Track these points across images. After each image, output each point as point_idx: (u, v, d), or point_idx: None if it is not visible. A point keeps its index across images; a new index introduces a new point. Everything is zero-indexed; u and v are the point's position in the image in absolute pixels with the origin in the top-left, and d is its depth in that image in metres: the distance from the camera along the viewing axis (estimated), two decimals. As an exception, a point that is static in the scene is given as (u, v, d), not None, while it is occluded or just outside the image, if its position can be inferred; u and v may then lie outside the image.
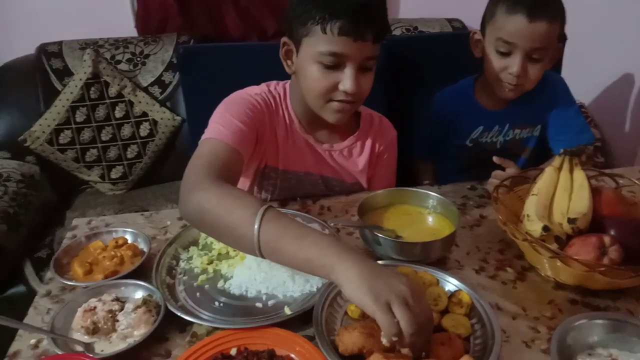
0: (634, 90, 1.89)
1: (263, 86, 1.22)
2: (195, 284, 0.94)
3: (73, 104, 2.00)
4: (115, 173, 2.09)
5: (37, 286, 1.58)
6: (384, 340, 0.71)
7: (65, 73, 2.07)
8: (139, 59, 2.14)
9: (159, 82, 2.13)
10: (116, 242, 1.01)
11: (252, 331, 0.82)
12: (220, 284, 0.94)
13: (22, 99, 2.08)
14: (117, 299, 0.87)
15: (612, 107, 1.96)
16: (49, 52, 2.09)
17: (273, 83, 1.24)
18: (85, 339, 0.82)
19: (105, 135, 2.06)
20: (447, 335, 0.78)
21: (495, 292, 0.92)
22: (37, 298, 0.92)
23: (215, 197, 0.86)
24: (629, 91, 1.91)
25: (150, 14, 2.27)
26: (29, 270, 1.65)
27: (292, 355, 0.78)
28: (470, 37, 1.34)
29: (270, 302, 0.89)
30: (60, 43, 2.12)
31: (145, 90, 2.11)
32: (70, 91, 2.00)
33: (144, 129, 2.08)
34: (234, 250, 1.01)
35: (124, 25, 2.30)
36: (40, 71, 2.07)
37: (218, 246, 1.02)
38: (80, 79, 2.00)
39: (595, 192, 0.99)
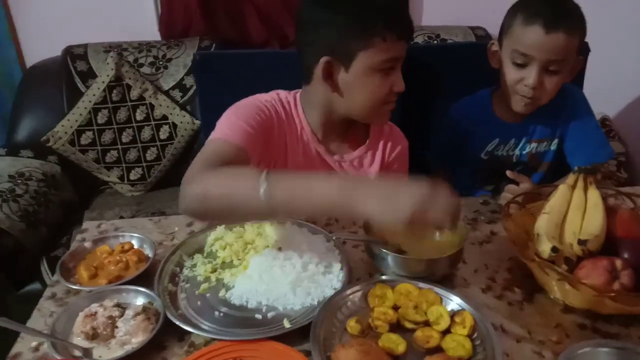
0: (660, 103, 1.84)
1: (273, 94, 1.22)
2: (197, 292, 0.94)
3: (95, 106, 2.04)
4: (134, 174, 2.12)
5: (52, 285, 1.61)
6: None
7: (89, 75, 2.11)
8: (161, 62, 2.17)
9: (180, 85, 2.15)
10: (122, 247, 1.02)
11: (250, 344, 0.82)
12: (221, 293, 0.94)
13: (47, 100, 2.13)
14: (118, 305, 0.87)
15: (637, 120, 1.90)
16: (75, 55, 2.14)
17: (283, 92, 1.24)
18: (85, 344, 0.82)
19: (126, 137, 2.09)
20: (446, 357, 0.76)
21: (500, 313, 0.90)
22: (41, 300, 0.94)
23: (214, 178, 0.89)
24: (656, 104, 1.85)
25: (174, 18, 2.30)
26: (44, 269, 1.68)
27: (287, 370, 0.77)
28: (487, 47, 1.31)
29: (270, 314, 0.89)
30: (85, 46, 2.17)
31: (166, 93, 2.13)
32: (93, 93, 2.04)
33: (164, 132, 2.11)
34: (238, 259, 1.01)
35: (149, 29, 2.34)
36: (65, 73, 2.11)
37: (223, 254, 1.02)
38: (103, 82, 2.04)
39: (610, 212, 0.96)
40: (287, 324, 0.85)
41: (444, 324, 0.84)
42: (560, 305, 0.91)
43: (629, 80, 1.89)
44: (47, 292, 0.96)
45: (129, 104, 2.07)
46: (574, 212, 0.95)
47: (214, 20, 2.32)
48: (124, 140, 2.09)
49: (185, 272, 0.99)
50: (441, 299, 0.89)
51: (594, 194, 0.96)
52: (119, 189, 2.16)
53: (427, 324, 0.85)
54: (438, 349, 0.80)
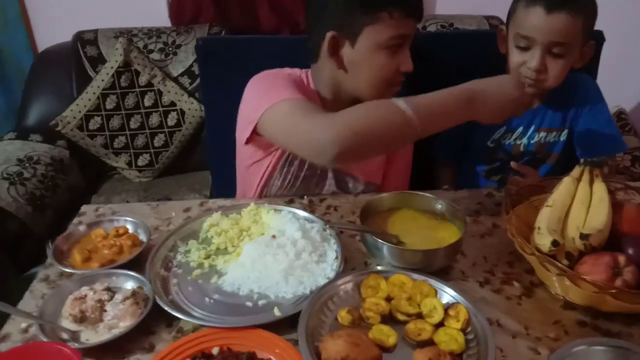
0: (680, 97, 1.77)
1: (287, 69, 1.21)
2: (189, 278, 0.94)
3: (104, 91, 2.04)
4: (142, 160, 2.12)
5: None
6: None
7: (99, 61, 2.11)
8: (170, 48, 2.16)
9: (188, 72, 2.14)
10: (117, 231, 1.02)
11: (237, 331, 0.80)
12: (213, 280, 0.93)
13: (57, 85, 2.14)
14: (108, 289, 0.87)
15: (654, 115, 1.85)
16: (85, 40, 2.14)
17: (295, 69, 1.23)
18: (73, 327, 0.82)
19: (134, 123, 2.09)
20: (437, 351, 0.74)
21: (497, 307, 0.87)
22: (34, 282, 0.94)
23: (354, 114, 0.94)
24: (675, 98, 1.79)
25: (184, 4, 2.28)
26: (49, 252, 1.69)
27: (273, 359, 0.76)
28: (497, 32, 1.28)
29: (260, 302, 0.87)
30: (95, 31, 2.16)
31: (175, 80, 2.13)
32: (102, 79, 2.04)
33: (172, 119, 2.10)
34: (233, 246, 1.00)
35: (159, 15, 2.33)
36: (76, 58, 2.12)
37: (217, 241, 1.01)
38: (112, 67, 2.04)
39: (616, 207, 0.92)
40: (277, 313, 0.84)
41: (438, 317, 0.82)
42: (560, 301, 0.88)
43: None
44: (41, 275, 0.96)
45: (138, 89, 2.07)
46: (578, 206, 0.92)
47: (224, 7, 2.30)
48: (132, 126, 2.09)
49: (179, 257, 0.98)
50: (436, 291, 0.86)
51: (600, 188, 0.93)
52: (126, 175, 2.17)
53: (420, 316, 0.83)
54: (430, 342, 0.78)
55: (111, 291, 0.86)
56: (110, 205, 1.17)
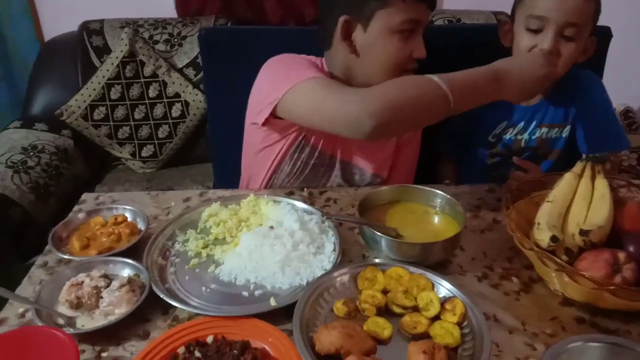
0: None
1: (304, 56, 1.21)
2: (186, 267, 0.94)
3: (109, 81, 2.04)
4: (146, 151, 2.12)
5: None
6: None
7: (104, 51, 2.11)
8: (176, 40, 2.16)
9: (193, 64, 2.14)
10: (115, 219, 1.02)
11: (232, 320, 0.80)
12: (211, 269, 0.93)
13: (63, 75, 2.14)
14: (105, 276, 0.87)
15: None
16: (91, 30, 2.14)
17: (310, 56, 1.22)
18: (69, 312, 0.82)
19: (138, 113, 2.09)
20: (431, 344, 0.73)
21: (495, 302, 0.86)
22: (33, 268, 0.94)
23: (390, 88, 0.95)
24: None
25: (190, -5, 2.28)
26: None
27: (267, 348, 0.76)
28: (500, 25, 1.26)
29: (257, 292, 0.87)
30: (102, 21, 2.16)
31: (180, 71, 2.12)
32: (107, 69, 2.04)
33: (176, 110, 2.10)
34: (231, 236, 1.00)
35: (166, 6, 2.33)
36: (81, 48, 2.12)
37: (216, 231, 1.01)
38: (117, 57, 2.04)
39: (619, 204, 0.91)
40: (273, 303, 0.83)
41: (434, 310, 0.81)
42: (559, 297, 0.87)
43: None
44: (39, 261, 0.96)
45: (142, 80, 2.07)
46: (579, 202, 0.91)
47: (230, -2, 2.30)
48: (137, 116, 2.09)
49: (177, 246, 0.98)
50: (433, 284, 0.86)
51: (601, 184, 0.92)
52: (130, 166, 2.17)
53: (416, 309, 0.82)
54: (425, 336, 0.78)
55: (108, 278, 0.87)
56: (110, 194, 1.18)
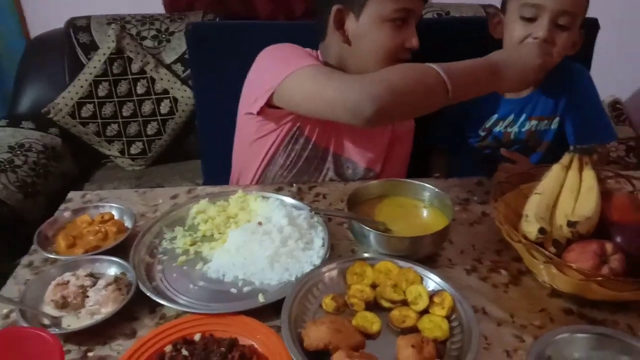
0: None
1: (300, 47, 1.20)
2: (174, 264, 0.93)
3: (96, 78, 2.02)
4: (135, 149, 2.11)
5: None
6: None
7: (91, 47, 2.08)
8: (164, 36, 2.14)
9: (182, 60, 2.12)
10: (102, 217, 1.01)
11: (220, 317, 0.80)
12: (199, 266, 0.92)
13: (49, 72, 2.11)
14: (91, 275, 0.86)
15: (650, 105, 1.83)
16: (77, 26, 2.11)
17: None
18: (54, 312, 0.81)
19: (127, 110, 2.07)
20: (420, 338, 0.73)
21: (483, 295, 0.86)
22: (18, 268, 0.93)
23: (391, 74, 0.96)
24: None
25: (178, -9, 2.26)
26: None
27: (255, 345, 0.75)
28: (490, 17, 1.26)
29: (245, 289, 0.87)
30: (88, 18, 2.13)
31: (168, 67, 2.10)
32: (94, 65, 2.02)
33: (165, 107, 2.09)
34: (219, 233, 0.99)
35: (153, 2, 2.30)
36: (68, 45, 2.09)
37: (204, 227, 1.00)
38: (104, 54, 2.02)
39: (606, 195, 0.91)
40: (261, 299, 0.83)
41: (422, 304, 0.81)
42: (547, 289, 0.87)
43: (643, 62, 1.82)
44: (25, 261, 0.95)
45: (130, 77, 2.05)
46: (567, 194, 0.91)
47: (219, -7, 2.28)
48: (125, 113, 2.07)
49: (164, 244, 0.98)
50: (421, 278, 0.86)
51: (589, 176, 0.92)
52: (119, 163, 2.15)
53: (405, 303, 0.82)
54: (414, 329, 0.78)
55: (94, 277, 0.86)
56: (97, 192, 1.17)
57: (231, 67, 1.21)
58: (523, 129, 1.27)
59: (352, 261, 0.88)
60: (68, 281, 0.83)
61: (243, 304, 0.82)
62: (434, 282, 0.85)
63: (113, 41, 2.01)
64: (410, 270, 0.86)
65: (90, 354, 0.76)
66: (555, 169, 0.94)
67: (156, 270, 0.92)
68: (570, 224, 0.83)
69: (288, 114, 1.14)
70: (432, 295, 0.82)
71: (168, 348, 0.74)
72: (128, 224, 1.00)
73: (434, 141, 1.47)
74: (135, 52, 2.05)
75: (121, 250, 0.93)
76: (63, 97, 2.00)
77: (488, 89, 1.05)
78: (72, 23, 2.12)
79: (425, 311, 0.80)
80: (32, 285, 0.84)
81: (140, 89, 2.06)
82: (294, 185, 1.17)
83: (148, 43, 2.11)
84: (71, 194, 1.16)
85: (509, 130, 1.28)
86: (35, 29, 2.33)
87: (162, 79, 2.07)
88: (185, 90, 2.08)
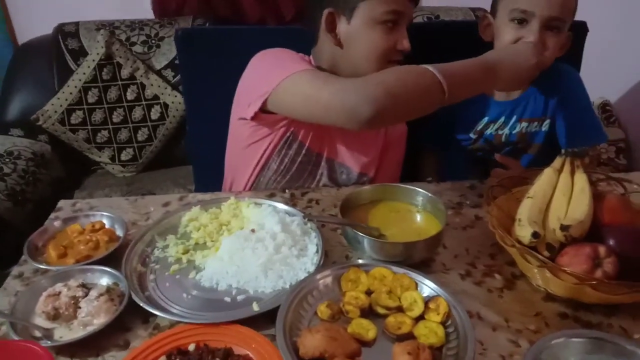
0: (664, 89, 1.77)
1: (293, 51, 1.20)
2: (166, 273, 0.92)
3: (85, 85, 2.01)
4: (125, 155, 2.09)
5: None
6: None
7: (80, 53, 2.07)
8: (153, 41, 2.13)
9: (172, 65, 2.11)
10: (93, 226, 0.99)
11: (214, 327, 0.79)
12: (191, 275, 0.91)
13: (38, 78, 2.10)
14: (83, 285, 0.85)
15: (637, 106, 1.84)
16: (66, 32, 2.10)
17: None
18: (46, 324, 0.80)
19: (117, 117, 2.06)
20: (416, 345, 0.73)
21: (478, 300, 0.86)
22: (8, 279, 0.92)
23: (389, 76, 0.97)
24: (659, 90, 1.79)
25: (167, -5, 2.25)
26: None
27: (250, 355, 0.75)
28: (480, 19, 1.27)
29: (239, 297, 0.86)
30: (77, 24, 2.13)
31: (158, 73, 2.10)
32: (83, 72, 2.01)
33: (155, 112, 2.08)
34: (212, 240, 0.98)
35: (142, 7, 2.29)
36: (57, 51, 2.08)
37: (196, 235, 0.99)
38: (93, 60, 2.01)
39: (598, 197, 0.91)
40: (255, 308, 0.82)
41: (418, 310, 0.81)
42: (541, 293, 0.87)
43: (630, 65, 1.83)
44: (15, 272, 0.94)
45: (120, 83, 2.04)
46: (559, 197, 0.91)
47: (208, -2, 2.28)
48: (115, 120, 2.06)
49: (157, 252, 0.97)
50: (416, 284, 0.85)
51: (580, 179, 0.92)
52: (110, 170, 2.14)
53: (400, 309, 0.82)
54: (410, 336, 0.77)
55: (86, 287, 0.84)
56: (88, 200, 1.15)
57: (222, 72, 1.21)
58: (514, 131, 1.27)
59: (346, 268, 0.88)
60: (59, 292, 0.82)
61: (237, 313, 0.82)
62: (429, 287, 0.84)
63: (102, 47, 2.00)
64: (405, 276, 0.86)
65: (82, 367, 0.75)
66: (547, 173, 0.94)
67: (149, 279, 0.91)
68: (563, 227, 0.83)
69: (282, 119, 1.14)
70: (427, 301, 0.82)
71: (162, 359, 0.73)
72: (119, 232, 0.99)
73: (425, 144, 1.47)
74: (125, 57, 2.04)
75: (113, 259, 0.92)
76: (52, 104, 1.99)
77: (484, 87, 1.07)
78: (60, 29, 2.11)
79: (420, 317, 0.80)
80: (22, 297, 0.83)
81: (130, 95, 2.05)
82: (287, 191, 1.17)
83: (138, 49, 2.11)
84: (61, 203, 1.14)
85: (500, 132, 1.29)
86: (23, 35, 2.30)
87: (152, 85, 2.06)
88: (175, 96, 2.07)
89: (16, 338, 0.75)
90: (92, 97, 2.02)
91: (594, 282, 0.77)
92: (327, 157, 1.24)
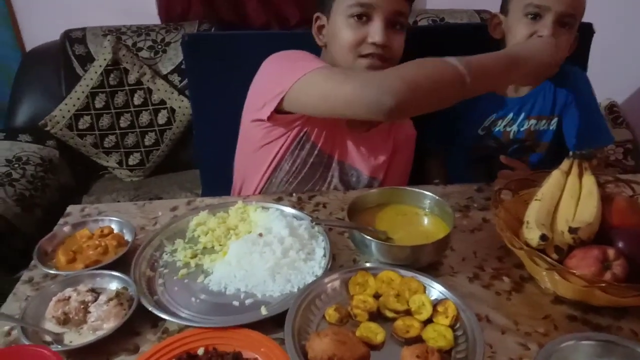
0: (672, 89, 1.77)
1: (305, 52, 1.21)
2: (175, 277, 0.92)
3: (93, 90, 2.02)
4: (132, 160, 2.11)
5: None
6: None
7: (87, 59, 2.09)
8: (159, 46, 2.14)
9: (178, 70, 2.13)
10: (102, 231, 1.00)
11: (223, 331, 0.79)
12: (200, 279, 0.91)
13: (46, 84, 2.13)
14: (92, 290, 0.85)
15: (646, 107, 1.84)
16: (73, 38, 2.12)
17: None
18: (56, 329, 0.80)
19: (124, 122, 2.08)
20: (424, 348, 0.73)
21: (486, 302, 0.86)
22: (18, 285, 0.92)
23: (410, 69, 0.96)
24: (667, 90, 1.78)
25: (173, 1, 2.26)
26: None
27: (259, 359, 0.75)
28: (489, 18, 1.27)
29: (247, 301, 0.86)
30: (84, 29, 2.15)
31: (165, 78, 2.11)
32: (90, 77, 2.02)
33: (162, 117, 2.09)
34: (220, 245, 0.99)
35: (149, 13, 2.31)
36: (64, 57, 2.10)
37: (204, 240, 1.00)
38: (100, 66, 2.02)
39: (606, 199, 0.91)
40: (264, 312, 0.82)
41: (426, 313, 0.81)
42: (550, 295, 0.87)
43: (637, 66, 1.82)
44: (25, 277, 0.94)
45: (127, 88, 2.06)
46: (567, 199, 0.91)
47: (213, 3, 2.29)
48: (122, 125, 2.07)
49: (165, 257, 0.97)
50: (424, 287, 0.85)
51: (589, 181, 0.92)
52: (117, 174, 2.15)
53: (408, 313, 0.82)
54: (418, 339, 0.77)
55: (95, 292, 0.85)
56: (96, 205, 1.16)
57: (228, 77, 1.22)
58: (522, 128, 1.28)
59: (354, 271, 0.88)
60: (69, 297, 0.83)
61: (246, 317, 0.82)
62: (437, 290, 0.84)
63: (109, 52, 2.01)
64: (413, 280, 0.86)
65: (93, 371, 0.75)
66: (555, 175, 0.94)
67: (157, 284, 0.91)
68: (572, 230, 0.83)
69: (297, 118, 1.14)
70: (435, 304, 0.82)
71: (171, 363, 0.73)
72: (128, 237, 1.00)
73: (430, 144, 1.47)
74: (131, 63, 2.05)
75: (122, 264, 0.93)
76: (60, 110, 2.01)
77: (504, 81, 1.09)
78: (67, 35, 2.13)
79: (429, 320, 0.80)
80: (32, 302, 0.84)
81: (137, 100, 2.07)
82: (294, 194, 1.17)
83: (144, 54, 2.12)
84: (70, 208, 1.15)
85: (508, 129, 1.29)
86: (31, 42, 2.32)
87: (159, 90, 2.08)
88: (182, 101, 2.08)
89: (27, 342, 0.76)
90: (99, 102, 2.03)
91: (603, 285, 0.76)
92: (338, 159, 1.24)
